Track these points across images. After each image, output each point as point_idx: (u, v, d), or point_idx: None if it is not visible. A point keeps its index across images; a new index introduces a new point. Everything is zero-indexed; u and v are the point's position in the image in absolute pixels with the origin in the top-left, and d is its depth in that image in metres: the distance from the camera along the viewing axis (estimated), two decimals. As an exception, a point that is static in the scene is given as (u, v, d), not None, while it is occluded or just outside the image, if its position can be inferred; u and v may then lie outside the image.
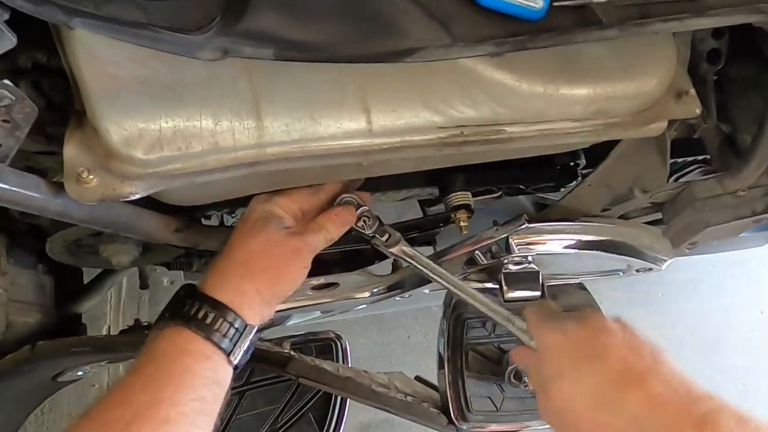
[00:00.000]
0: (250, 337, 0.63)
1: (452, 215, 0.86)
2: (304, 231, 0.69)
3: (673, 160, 0.91)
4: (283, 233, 0.68)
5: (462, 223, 0.87)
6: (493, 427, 0.77)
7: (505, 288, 0.88)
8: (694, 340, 1.87)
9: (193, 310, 0.60)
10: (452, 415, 0.76)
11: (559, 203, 0.91)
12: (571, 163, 0.95)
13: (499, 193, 0.90)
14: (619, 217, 0.95)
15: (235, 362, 0.62)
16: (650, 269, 1.01)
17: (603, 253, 0.94)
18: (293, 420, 0.94)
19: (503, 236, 0.83)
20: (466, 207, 0.86)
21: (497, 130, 0.67)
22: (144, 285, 1.11)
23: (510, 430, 0.78)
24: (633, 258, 0.96)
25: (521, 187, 0.93)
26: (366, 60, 0.52)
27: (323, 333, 1.05)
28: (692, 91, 0.72)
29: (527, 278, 0.90)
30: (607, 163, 0.85)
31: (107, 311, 1.76)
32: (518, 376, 0.76)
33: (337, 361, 1.02)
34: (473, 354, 0.79)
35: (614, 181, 0.86)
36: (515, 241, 0.86)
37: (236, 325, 0.61)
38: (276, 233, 0.67)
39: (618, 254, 0.95)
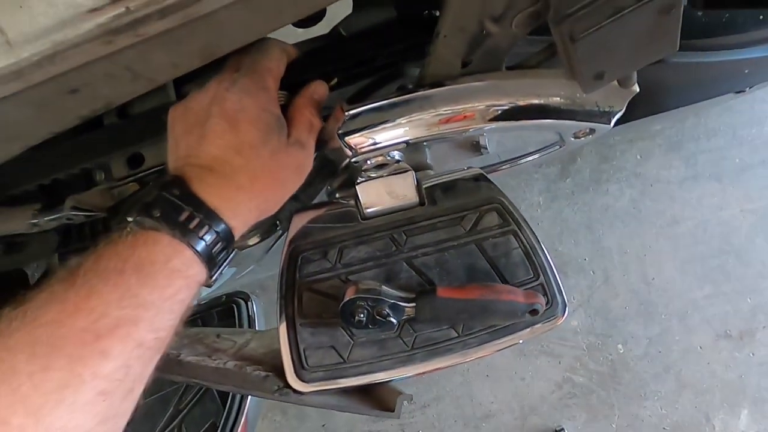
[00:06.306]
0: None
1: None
2: (298, 133, 0.59)
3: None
4: (286, 146, 0.57)
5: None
6: (340, 383, 0.59)
7: (361, 201, 0.68)
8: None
9: (193, 223, 0.50)
10: (287, 375, 0.59)
11: (420, 74, 0.68)
12: (425, 12, 0.70)
13: (334, 80, 0.69)
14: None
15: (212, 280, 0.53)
16: (593, 130, 0.74)
17: (497, 125, 0.69)
18: (197, 398, 0.83)
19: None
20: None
21: (174, -9, 0.47)
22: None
23: (364, 384, 0.59)
24: (550, 120, 0.70)
25: (366, 64, 0.70)
26: None
27: (230, 295, 0.93)
28: None
29: (395, 183, 0.69)
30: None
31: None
32: (351, 312, 0.57)
33: (241, 325, 0.89)
34: (309, 295, 0.61)
35: (466, 19, 0.61)
36: (351, 138, 0.65)
37: (225, 239, 0.52)
38: (280, 147, 0.57)
39: (525, 120, 0.70)
